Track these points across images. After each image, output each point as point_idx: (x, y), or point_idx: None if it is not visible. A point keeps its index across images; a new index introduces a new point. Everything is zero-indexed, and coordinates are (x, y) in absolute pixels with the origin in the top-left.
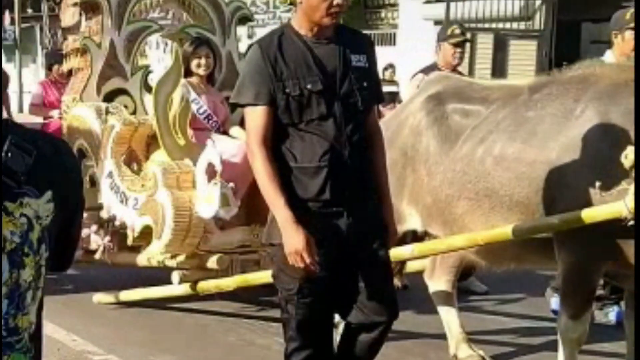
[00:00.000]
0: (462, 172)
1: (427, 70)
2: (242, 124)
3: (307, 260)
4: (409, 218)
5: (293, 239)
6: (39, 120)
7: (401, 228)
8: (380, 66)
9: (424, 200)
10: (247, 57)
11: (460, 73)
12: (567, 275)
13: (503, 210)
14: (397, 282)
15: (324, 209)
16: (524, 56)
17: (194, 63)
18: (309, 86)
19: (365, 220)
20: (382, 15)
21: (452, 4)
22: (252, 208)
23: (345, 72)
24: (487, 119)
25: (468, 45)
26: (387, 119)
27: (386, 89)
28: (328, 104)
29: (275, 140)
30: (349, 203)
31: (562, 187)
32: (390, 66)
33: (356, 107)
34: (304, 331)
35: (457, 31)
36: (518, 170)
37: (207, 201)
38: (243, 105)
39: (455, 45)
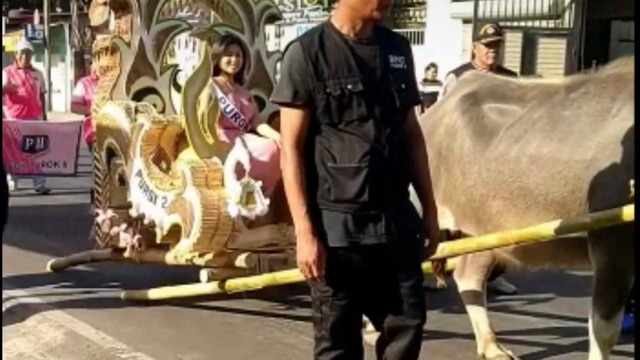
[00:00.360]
0: (497, 172)
1: (459, 70)
2: (270, 122)
3: (315, 274)
4: (441, 217)
5: (306, 250)
6: (80, 118)
7: None
8: (421, 66)
9: (458, 200)
10: (287, 54)
11: (503, 69)
12: (600, 275)
13: (538, 209)
14: (440, 281)
15: (361, 211)
16: (553, 55)
17: (224, 60)
18: (349, 86)
19: (402, 223)
20: (410, 13)
21: (481, 2)
22: (279, 207)
23: (385, 73)
24: (523, 118)
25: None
26: (423, 117)
27: (429, 89)
28: (368, 105)
29: (313, 140)
30: (387, 205)
31: (598, 187)
32: (433, 65)
33: (395, 108)
34: (337, 331)
35: (490, 31)
36: (554, 170)
37: (234, 200)
38: (281, 104)
39: (488, 45)
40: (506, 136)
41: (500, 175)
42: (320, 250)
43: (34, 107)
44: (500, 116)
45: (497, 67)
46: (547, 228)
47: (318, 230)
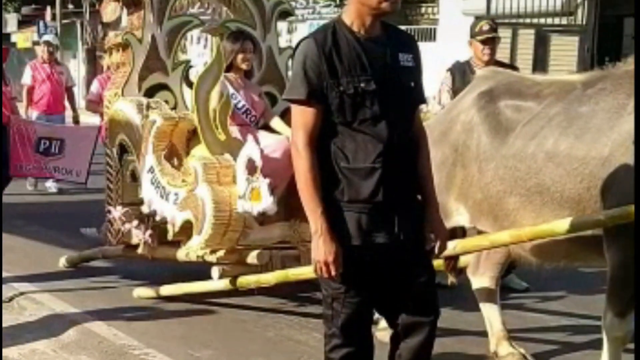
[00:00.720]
0: (514, 168)
1: (455, 68)
2: (282, 118)
3: (333, 273)
4: (456, 214)
5: (323, 249)
6: (96, 119)
7: (448, 224)
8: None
9: (474, 197)
10: (300, 51)
11: (501, 65)
12: (614, 272)
13: (554, 206)
14: (451, 279)
15: (375, 210)
16: (565, 52)
17: (239, 57)
18: (362, 85)
19: (413, 221)
20: (422, 10)
21: None
22: (291, 204)
23: (395, 72)
24: (539, 115)
25: (508, 40)
26: (439, 115)
27: None
28: (381, 104)
29: (325, 139)
30: (399, 204)
31: (614, 184)
32: None
33: (406, 107)
34: (348, 328)
35: (485, 27)
36: (570, 167)
37: (243, 196)
38: (295, 101)
39: (484, 42)
40: (523, 133)
41: (517, 172)
42: (338, 250)
43: (58, 103)
44: (517, 113)
45: (496, 63)
46: (561, 225)
47: (334, 230)
